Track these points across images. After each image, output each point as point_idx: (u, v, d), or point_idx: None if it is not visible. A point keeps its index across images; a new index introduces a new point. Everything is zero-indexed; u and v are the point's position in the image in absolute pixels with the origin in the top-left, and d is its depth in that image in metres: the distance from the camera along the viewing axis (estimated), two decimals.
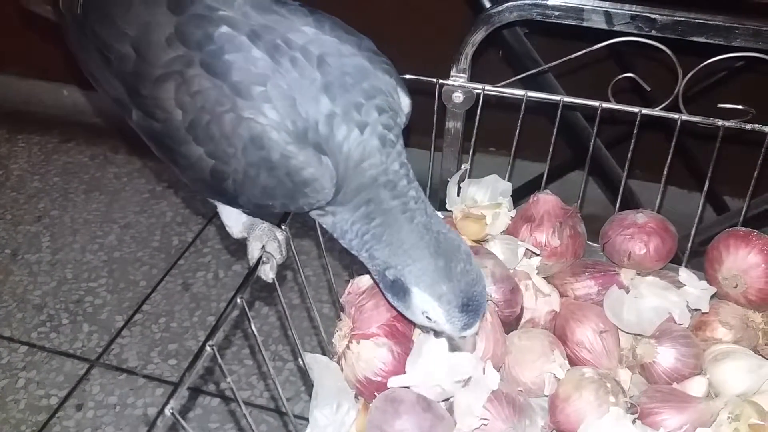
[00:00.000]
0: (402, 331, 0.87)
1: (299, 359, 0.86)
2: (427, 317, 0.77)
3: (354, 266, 0.98)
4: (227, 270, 2.09)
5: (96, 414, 1.71)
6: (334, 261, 1.61)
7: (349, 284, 0.92)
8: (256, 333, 0.72)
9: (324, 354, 0.89)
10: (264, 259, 0.82)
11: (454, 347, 0.83)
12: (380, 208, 0.77)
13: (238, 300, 0.70)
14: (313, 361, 0.85)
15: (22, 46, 2.52)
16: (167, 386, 1.78)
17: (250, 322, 0.71)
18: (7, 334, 1.90)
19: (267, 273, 0.84)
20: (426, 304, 0.76)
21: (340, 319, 0.89)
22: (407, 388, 0.84)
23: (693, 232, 1.04)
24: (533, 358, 0.88)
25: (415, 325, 0.87)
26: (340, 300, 0.92)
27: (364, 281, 0.92)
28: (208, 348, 0.65)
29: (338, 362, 0.87)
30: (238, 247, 2.16)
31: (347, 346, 0.86)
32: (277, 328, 1.90)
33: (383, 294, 0.82)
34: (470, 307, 0.77)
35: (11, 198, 2.34)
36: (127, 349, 1.88)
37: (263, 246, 0.85)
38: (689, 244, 1.05)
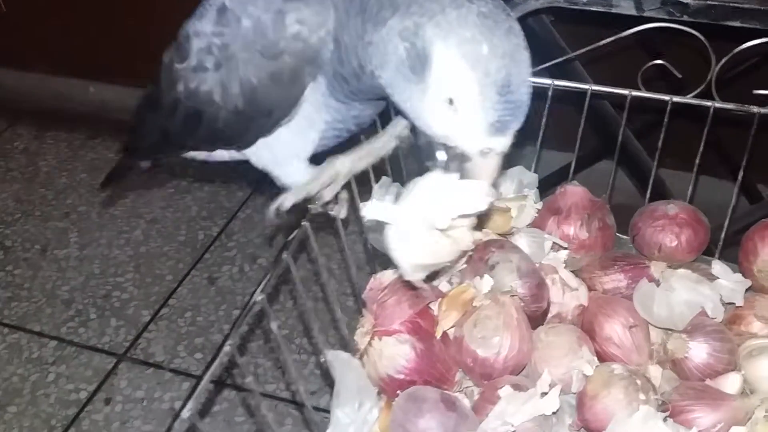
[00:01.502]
0: (425, 328, 0.86)
1: (321, 356, 0.84)
2: (450, 100, 0.62)
3: (376, 260, 0.97)
4: (252, 264, 2.09)
5: (124, 408, 1.73)
6: (356, 255, 1.60)
7: (371, 280, 0.90)
8: (276, 331, 0.70)
9: (347, 350, 0.88)
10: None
11: (466, 172, 0.67)
12: None
13: (258, 298, 0.69)
14: (335, 359, 0.84)
15: (48, 44, 2.55)
16: (194, 380, 1.79)
17: (269, 319, 0.70)
18: (37, 329, 1.92)
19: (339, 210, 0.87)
20: (454, 73, 0.61)
21: (362, 315, 0.88)
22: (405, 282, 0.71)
23: (726, 223, 1.00)
24: (561, 355, 0.86)
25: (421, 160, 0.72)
26: (362, 296, 0.90)
27: (387, 276, 0.90)
28: (227, 347, 0.64)
29: (360, 359, 0.86)
30: (263, 241, 2.16)
31: (369, 343, 0.84)
32: (303, 321, 1.90)
33: (388, 98, 0.68)
34: (512, 92, 0.61)
35: (40, 194, 2.37)
36: (154, 344, 1.89)
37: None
38: (722, 235, 1.02)
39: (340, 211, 0.91)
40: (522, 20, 1.04)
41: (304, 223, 0.82)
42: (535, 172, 1.04)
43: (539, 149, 1.06)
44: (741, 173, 0.99)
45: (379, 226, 0.92)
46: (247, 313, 0.66)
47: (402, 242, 0.68)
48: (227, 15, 0.76)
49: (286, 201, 0.86)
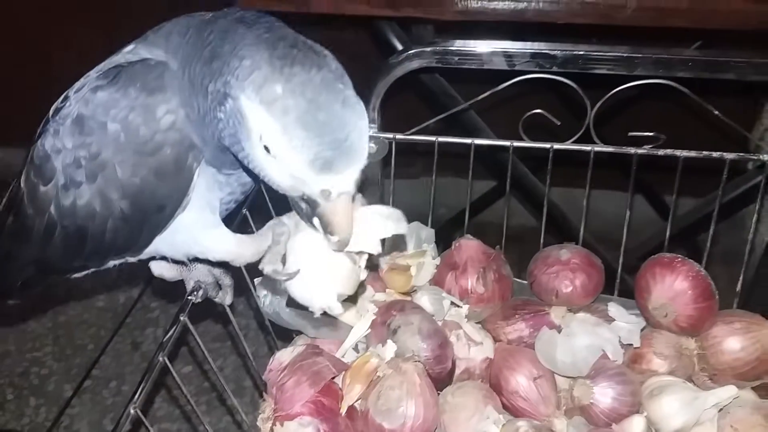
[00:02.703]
0: (329, 406, 0.84)
1: None
2: (266, 147, 0.63)
3: (276, 338, 0.95)
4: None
5: None
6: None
7: (270, 360, 0.88)
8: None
9: None
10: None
11: (320, 218, 0.69)
12: (205, 33, 0.68)
13: (131, 410, 0.66)
14: None
15: None
16: None
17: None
18: None
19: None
20: (259, 120, 0.62)
21: (263, 400, 0.85)
22: None
23: (621, 259, 1.02)
24: (468, 416, 0.86)
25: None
26: (262, 377, 0.88)
27: (286, 355, 0.88)
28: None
29: None
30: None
31: (271, 430, 0.82)
32: (233, 380, 1.85)
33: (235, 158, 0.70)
34: (324, 127, 0.61)
35: None
36: (78, 420, 1.81)
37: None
38: (619, 270, 1.04)
39: (225, 298, 0.89)
40: (413, 77, 1.05)
41: (183, 317, 0.79)
42: (432, 226, 1.04)
43: (432, 203, 1.06)
44: (628, 213, 1.01)
45: (276, 287, 0.91)
46: (121, 428, 0.63)
47: (312, 269, 0.74)
48: (87, 124, 0.73)
49: (267, 268, 0.80)
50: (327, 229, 0.70)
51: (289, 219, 0.79)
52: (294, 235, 0.78)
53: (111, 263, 0.86)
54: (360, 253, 0.77)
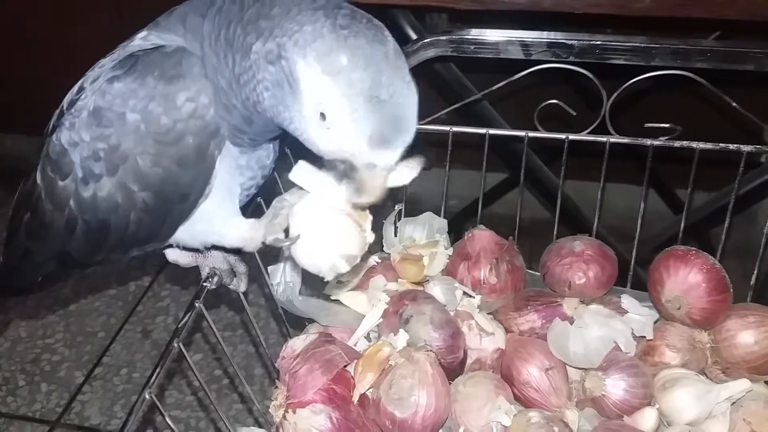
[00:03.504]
0: (341, 394, 0.84)
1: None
2: (322, 114, 0.63)
3: (288, 324, 0.95)
4: None
5: None
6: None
7: (284, 347, 0.88)
8: (173, 427, 0.67)
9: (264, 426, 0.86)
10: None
11: (356, 184, 0.68)
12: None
13: (147, 395, 0.66)
14: None
15: None
16: None
17: (162, 414, 0.67)
18: None
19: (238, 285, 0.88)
20: (319, 88, 0.62)
21: (276, 387, 0.85)
22: None
23: (633, 257, 1.02)
24: (479, 406, 0.86)
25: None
26: (275, 365, 0.88)
27: (299, 343, 0.88)
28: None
29: None
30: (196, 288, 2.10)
31: (283, 417, 0.82)
32: (243, 368, 1.86)
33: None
34: (385, 102, 0.61)
35: None
36: (89, 406, 1.82)
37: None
38: (632, 264, 1.03)
39: (240, 285, 0.89)
40: (427, 66, 1.04)
41: (198, 303, 0.79)
42: (444, 217, 1.03)
43: (445, 194, 1.06)
44: (642, 205, 1.00)
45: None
46: (136, 413, 0.63)
47: (315, 233, 0.73)
48: (105, 115, 0.71)
49: (268, 239, 0.78)
50: (358, 192, 0.69)
51: (291, 195, 0.79)
52: (295, 206, 0.77)
53: (132, 254, 0.86)
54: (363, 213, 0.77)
